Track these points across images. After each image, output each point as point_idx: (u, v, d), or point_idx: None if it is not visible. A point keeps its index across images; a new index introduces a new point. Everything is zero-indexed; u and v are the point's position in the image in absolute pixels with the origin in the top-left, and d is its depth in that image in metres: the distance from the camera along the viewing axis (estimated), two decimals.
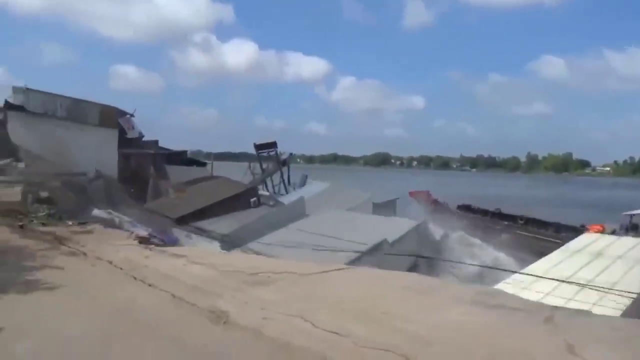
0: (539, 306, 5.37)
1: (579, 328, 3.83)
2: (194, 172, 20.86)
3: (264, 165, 23.95)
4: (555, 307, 5.19)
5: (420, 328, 3.68)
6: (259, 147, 20.82)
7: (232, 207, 14.96)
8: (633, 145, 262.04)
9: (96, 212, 10.69)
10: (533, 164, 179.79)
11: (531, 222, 20.03)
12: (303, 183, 20.31)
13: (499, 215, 21.26)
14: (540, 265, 8.68)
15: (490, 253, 16.37)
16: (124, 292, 5.31)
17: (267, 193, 16.81)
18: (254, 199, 15.73)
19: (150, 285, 5.50)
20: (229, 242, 12.21)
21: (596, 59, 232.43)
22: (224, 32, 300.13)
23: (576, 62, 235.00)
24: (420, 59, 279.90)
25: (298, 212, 14.87)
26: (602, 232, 15.09)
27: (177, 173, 19.84)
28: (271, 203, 16.07)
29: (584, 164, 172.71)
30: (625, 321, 4.93)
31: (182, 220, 13.92)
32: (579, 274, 7.68)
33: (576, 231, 17.02)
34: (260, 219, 13.69)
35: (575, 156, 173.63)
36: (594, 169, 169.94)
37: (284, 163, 22.20)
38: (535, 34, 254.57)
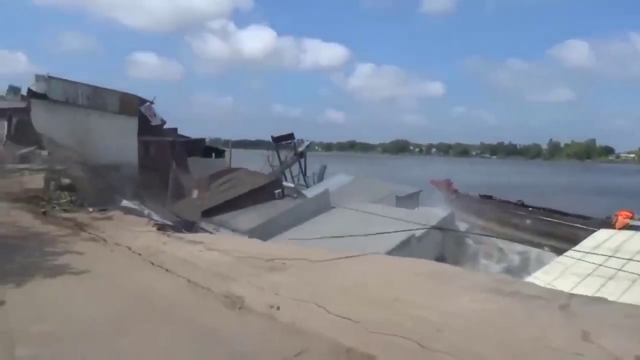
0: (555, 293, 5.30)
1: (595, 315, 3.77)
2: (215, 164, 20.97)
3: (282, 157, 23.94)
4: (572, 295, 5.12)
5: (432, 314, 3.68)
6: (276, 139, 20.83)
7: (257, 199, 15.01)
8: None
9: (125, 202, 10.85)
10: (555, 151, 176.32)
11: (554, 213, 19.63)
12: (322, 173, 20.27)
13: (521, 207, 20.87)
14: (556, 266, 8.43)
15: (514, 248, 16.14)
16: (142, 277, 5.42)
17: (291, 185, 16.78)
18: (279, 190, 15.75)
19: (167, 270, 5.60)
20: (255, 237, 12.23)
21: (621, 42, 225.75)
22: (241, 18, 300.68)
23: (600, 46, 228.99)
24: (440, 45, 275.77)
25: (323, 205, 14.81)
26: (632, 218, 14.68)
27: (198, 166, 19.97)
28: (295, 195, 16.05)
29: (608, 150, 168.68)
30: None
31: (208, 214, 14.02)
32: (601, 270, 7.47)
33: (602, 223, 16.66)
34: (286, 213, 13.66)
35: (598, 143, 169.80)
36: (617, 156, 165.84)
37: (302, 155, 22.13)
38: (557, 17, 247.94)
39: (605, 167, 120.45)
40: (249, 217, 13.84)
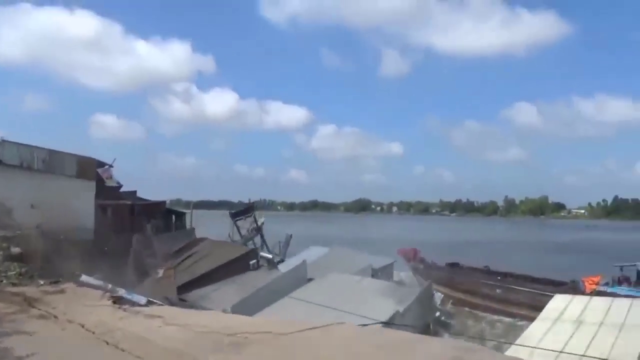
0: None
1: None
2: (179, 237, 20.41)
3: (243, 232, 23.57)
4: None
5: None
6: (234, 215, 20.63)
7: (233, 271, 14.65)
8: (606, 188, 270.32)
9: (85, 278, 10.21)
10: (510, 208, 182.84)
11: (521, 279, 19.91)
12: (288, 242, 20.09)
13: (487, 273, 21.16)
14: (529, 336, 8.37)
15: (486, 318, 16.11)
16: (94, 359, 5.15)
17: (269, 255, 16.46)
18: (254, 261, 15.48)
19: (123, 350, 5.35)
20: (238, 313, 11.68)
21: (566, 105, 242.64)
22: (204, 82, 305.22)
23: (548, 109, 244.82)
24: (398, 107, 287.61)
25: (300, 277, 14.51)
26: (597, 283, 14.96)
27: (162, 241, 19.40)
28: (270, 266, 15.73)
29: (560, 206, 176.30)
30: None
31: (182, 289, 13.47)
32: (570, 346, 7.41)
33: (570, 289, 17.11)
34: (263, 289, 13.17)
35: (551, 199, 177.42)
36: (569, 212, 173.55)
37: (259, 229, 21.88)
38: (507, 82, 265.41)
39: (559, 223, 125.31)
40: (228, 291, 13.35)
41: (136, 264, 16.32)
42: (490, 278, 19.69)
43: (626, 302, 8.58)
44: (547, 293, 13.56)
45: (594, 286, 14.73)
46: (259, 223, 20.01)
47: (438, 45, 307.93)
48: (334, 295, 12.42)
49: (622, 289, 14.59)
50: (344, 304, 11.61)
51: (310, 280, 14.31)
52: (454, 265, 22.49)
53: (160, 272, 14.85)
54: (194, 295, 13.06)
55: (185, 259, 16.37)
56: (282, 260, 18.09)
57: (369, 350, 5.03)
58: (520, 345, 7.71)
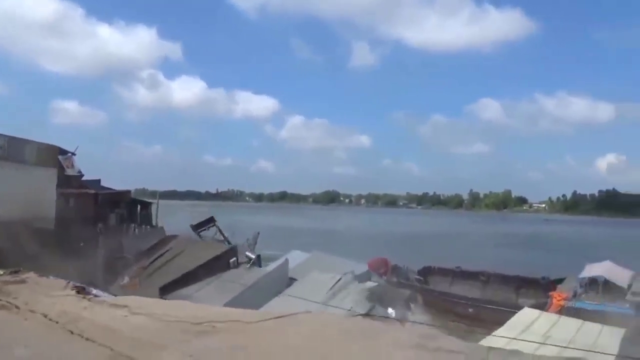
0: (475, 348, 5.64)
1: None
2: (148, 235, 20.00)
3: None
4: (491, 348, 5.48)
5: None
6: (196, 226, 20.44)
7: (213, 269, 14.50)
8: (566, 183, 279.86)
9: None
10: (475, 201, 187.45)
11: (493, 278, 20.24)
12: (255, 240, 20.01)
13: (460, 274, 21.46)
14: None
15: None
16: (59, 349, 5.07)
17: (252, 255, 16.34)
18: (233, 259, 15.38)
19: (87, 339, 5.30)
20: None
21: (530, 102, 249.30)
22: (171, 69, 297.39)
23: (511, 105, 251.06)
24: (367, 99, 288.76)
25: (283, 276, 14.52)
26: (565, 299, 15.11)
27: (131, 240, 18.98)
28: (250, 264, 15.63)
29: (522, 200, 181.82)
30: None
31: (166, 290, 13.23)
32: None
33: (539, 285, 17.51)
34: (252, 287, 13.06)
35: (514, 193, 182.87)
36: (530, 206, 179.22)
37: (225, 239, 21.75)
38: (473, 77, 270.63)
39: (520, 217, 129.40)
40: (212, 291, 13.15)
41: (106, 264, 15.94)
42: (464, 281, 20.09)
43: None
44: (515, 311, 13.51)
45: (561, 303, 15.02)
46: (225, 235, 19.81)
47: (407, 38, 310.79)
48: (329, 293, 12.43)
49: (589, 304, 14.84)
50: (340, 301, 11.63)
51: (293, 280, 14.35)
52: (426, 271, 22.65)
53: (127, 279, 14.58)
54: (176, 295, 12.80)
55: (157, 258, 16.09)
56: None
57: (336, 336, 5.16)
58: (497, 335, 7.72)
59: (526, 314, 9.86)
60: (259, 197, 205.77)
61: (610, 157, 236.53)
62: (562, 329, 8.52)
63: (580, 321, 8.92)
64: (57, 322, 6.03)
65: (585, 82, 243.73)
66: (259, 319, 5.80)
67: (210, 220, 20.56)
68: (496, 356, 5.20)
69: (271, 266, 16.12)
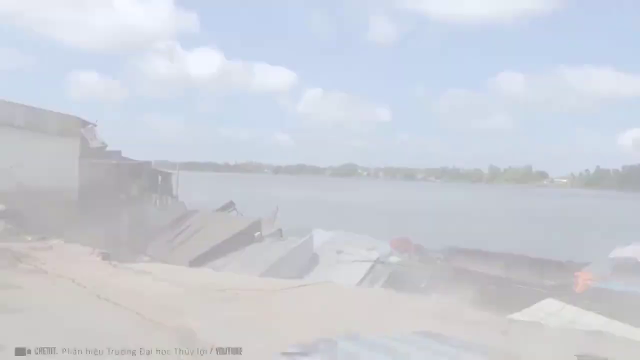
0: (496, 319, 5.62)
1: (531, 338, 4.06)
2: (170, 209, 20.32)
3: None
4: (512, 320, 5.45)
5: None
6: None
7: (238, 243, 14.81)
8: (588, 158, 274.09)
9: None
10: (495, 176, 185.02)
11: (517, 259, 19.94)
12: (274, 216, 20.21)
13: (484, 255, 21.13)
14: None
15: None
16: (88, 312, 5.19)
17: (275, 229, 16.67)
18: (258, 233, 15.64)
19: (115, 304, 5.41)
20: None
21: (553, 76, 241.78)
22: (189, 40, 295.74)
23: (534, 79, 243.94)
24: (386, 72, 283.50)
25: (307, 252, 14.80)
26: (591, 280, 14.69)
27: (153, 212, 19.31)
28: (274, 238, 15.86)
29: (543, 175, 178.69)
30: (574, 331, 5.23)
31: (196, 262, 13.56)
32: None
33: (563, 267, 17.28)
34: (277, 262, 13.31)
35: (534, 168, 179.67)
36: (552, 181, 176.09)
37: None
38: (495, 50, 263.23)
39: (541, 192, 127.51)
40: (238, 266, 13.46)
41: (130, 233, 16.28)
42: (487, 262, 19.85)
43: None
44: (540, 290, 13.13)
45: (589, 282, 14.62)
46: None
47: (429, 11, 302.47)
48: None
49: (618, 284, 14.44)
50: None
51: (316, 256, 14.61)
52: (449, 251, 22.38)
53: (151, 252, 14.81)
54: (208, 267, 13.19)
55: (180, 232, 16.38)
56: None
57: (358, 304, 5.18)
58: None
59: (550, 304, 9.53)
60: (276, 170, 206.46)
61: (636, 132, 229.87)
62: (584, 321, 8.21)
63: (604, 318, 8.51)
64: (84, 287, 6.17)
65: (610, 55, 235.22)
66: (282, 288, 5.85)
67: (230, 205, 20.88)
68: (517, 327, 5.18)
69: (296, 241, 16.29)
